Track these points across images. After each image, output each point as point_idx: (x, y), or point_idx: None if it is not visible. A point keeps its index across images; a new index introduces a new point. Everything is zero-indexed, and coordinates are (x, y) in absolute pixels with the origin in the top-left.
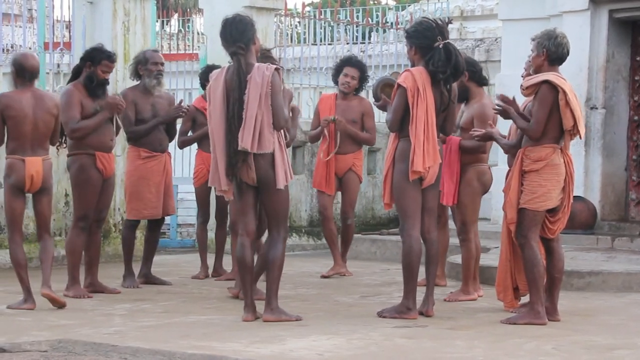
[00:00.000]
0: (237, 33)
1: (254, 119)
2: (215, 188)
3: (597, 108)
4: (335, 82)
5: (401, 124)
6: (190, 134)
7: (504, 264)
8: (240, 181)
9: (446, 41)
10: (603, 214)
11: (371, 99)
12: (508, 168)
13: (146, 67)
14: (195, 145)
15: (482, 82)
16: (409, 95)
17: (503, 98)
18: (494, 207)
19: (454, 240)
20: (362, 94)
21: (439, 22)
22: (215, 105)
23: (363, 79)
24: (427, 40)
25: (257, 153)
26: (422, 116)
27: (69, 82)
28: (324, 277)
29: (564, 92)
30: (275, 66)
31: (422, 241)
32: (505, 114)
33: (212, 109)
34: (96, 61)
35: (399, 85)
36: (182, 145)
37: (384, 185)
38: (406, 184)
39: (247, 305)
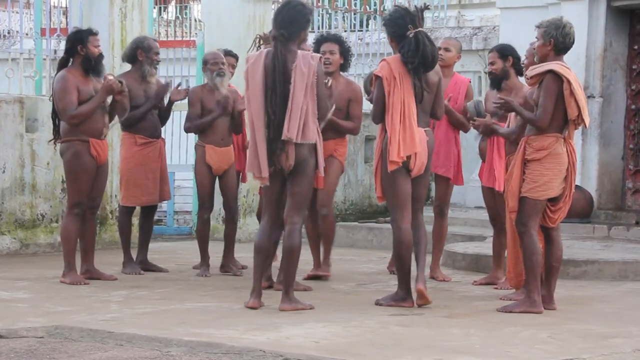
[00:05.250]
0: (287, 20)
1: (299, 109)
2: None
3: (594, 97)
4: None
5: (383, 115)
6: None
7: (512, 250)
8: (275, 169)
9: (417, 30)
10: (600, 203)
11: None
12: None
13: (148, 54)
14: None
15: (520, 71)
16: (385, 85)
17: (501, 99)
18: None
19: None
20: (351, 77)
21: (412, 10)
22: (254, 90)
23: (344, 52)
24: (399, 28)
25: (298, 143)
26: (398, 105)
27: (56, 73)
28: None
29: (569, 81)
30: (319, 55)
31: (412, 231)
32: (508, 107)
33: (252, 93)
34: (85, 41)
35: (376, 76)
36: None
37: (375, 178)
38: (393, 176)
39: (255, 291)
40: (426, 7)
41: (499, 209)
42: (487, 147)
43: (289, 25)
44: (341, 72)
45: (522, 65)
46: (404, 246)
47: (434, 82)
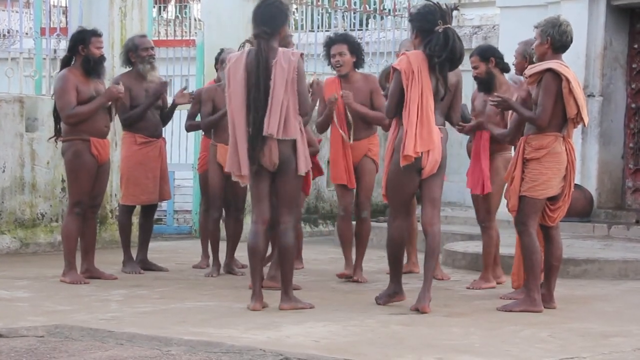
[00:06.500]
0: (267, 16)
1: (280, 105)
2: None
3: (594, 96)
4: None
5: (398, 110)
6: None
7: (519, 252)
8: (259, 167)
9: (446, 26)
10: (600, 201)
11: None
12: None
13: (137, 53)
14: (198, 131)
15: (506, 69)
16: (403, 78)
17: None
18: None
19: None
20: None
21: (443, 7)
22: (235, 88)
23: (354, 50)
24: (428, 23)
25: (280, 139)
26: (416, 99)
27: (59, 71)
28: (343, 277)
29: (567, 80)
30: (300, 52)
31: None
32: (505, 105)
33: (233, 92)
34: (87, 41)
35: (394, 69)
36: (189, 129)
37: (384, 176)
38: (399, 174)
39: (256, 293)
40: (455, 8)
41: (482, 210)
42: (472, 148)
43: (270, 21)
44: (357, 70)
45: (513, 65)
46: (395, 243)
47: (452, 84)
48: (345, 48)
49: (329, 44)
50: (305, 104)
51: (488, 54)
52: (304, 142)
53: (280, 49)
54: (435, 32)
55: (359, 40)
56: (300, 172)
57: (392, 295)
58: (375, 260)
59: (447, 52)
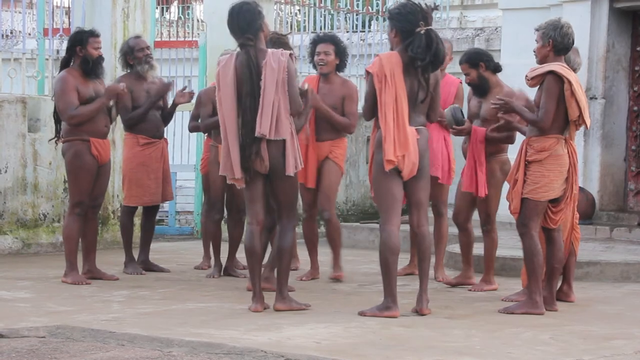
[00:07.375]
0: (244, 24)
1: (271, 106)
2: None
3: (596, 98)
4: (315, 66)
5: (374, 112)
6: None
7: None
8: (251, 169)
9: (428, 27)
10: (602, 204)
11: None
12: None
13: (133, 55)
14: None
15: (498, 69)
16: (375, 82)
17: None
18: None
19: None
20: (354, 77)
21: (424, 7)
22: (225, 91)
23: (340, 52)
24: (409, 24)
25: (269, 140)
26: (390, 103)
27: (58, 72)
28: (308, 279)
29: (570, 82)
30: (289, 52)
31: (417, 242)
32: (508, 107)
33: (223, 95)
34: (84, 42)
35: (367, 72)
36: (192, 130)
37: (369, 177)
38: (382, 176)
39: (256, 295)
40: (435, 8)
41: (482, 213)
42: (468, 150)
43: (248, 28)
44: (338, 73)
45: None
46: (389, 250)
47: (430, 84)
48: (331, 48)
49: (316, 41)
50: (295, 104)
51: (476, 60)
52: (294, 142)
53: (269, 50)
54: (417, 34)
55: (345, 44)
56: (289, 172)
57: (383, 310)
58: (377, 262)
59: (431, 55)
